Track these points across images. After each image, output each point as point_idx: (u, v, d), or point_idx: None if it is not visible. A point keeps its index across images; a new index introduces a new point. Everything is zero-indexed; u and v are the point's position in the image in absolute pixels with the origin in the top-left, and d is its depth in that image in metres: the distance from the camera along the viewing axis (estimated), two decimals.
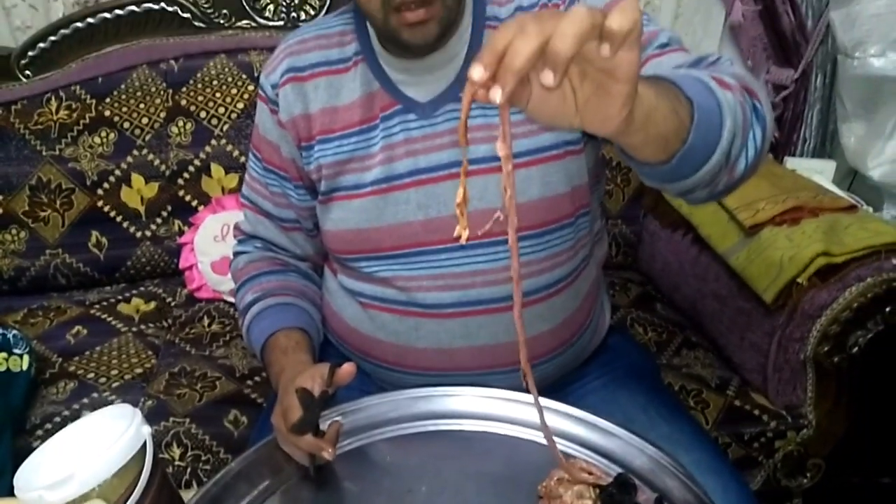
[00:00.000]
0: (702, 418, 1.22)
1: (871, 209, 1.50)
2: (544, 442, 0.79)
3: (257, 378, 1.29)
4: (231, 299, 1.49)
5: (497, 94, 0.47)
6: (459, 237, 0.55)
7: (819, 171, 1.63)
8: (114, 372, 1.31)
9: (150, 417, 1.17)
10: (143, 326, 1.45)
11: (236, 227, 1.10)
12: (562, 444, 0.78)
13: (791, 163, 1.70)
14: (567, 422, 0.82)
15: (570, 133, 0.91)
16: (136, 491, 0.67)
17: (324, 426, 0.77)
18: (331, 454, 0.75)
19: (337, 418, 0.82)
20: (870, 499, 1.48)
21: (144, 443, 0.69)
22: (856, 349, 1.22)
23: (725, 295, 1.37)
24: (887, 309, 1.20)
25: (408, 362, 0.97)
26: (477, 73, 0.47)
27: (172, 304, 1.54)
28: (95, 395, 1.26)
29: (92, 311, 1.50)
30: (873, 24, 1.52)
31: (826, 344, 1.21)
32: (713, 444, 0.96)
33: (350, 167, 0.94)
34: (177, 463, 1.13)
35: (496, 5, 0.92)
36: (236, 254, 1.09)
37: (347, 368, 0.79)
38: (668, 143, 0.61)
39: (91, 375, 1.31)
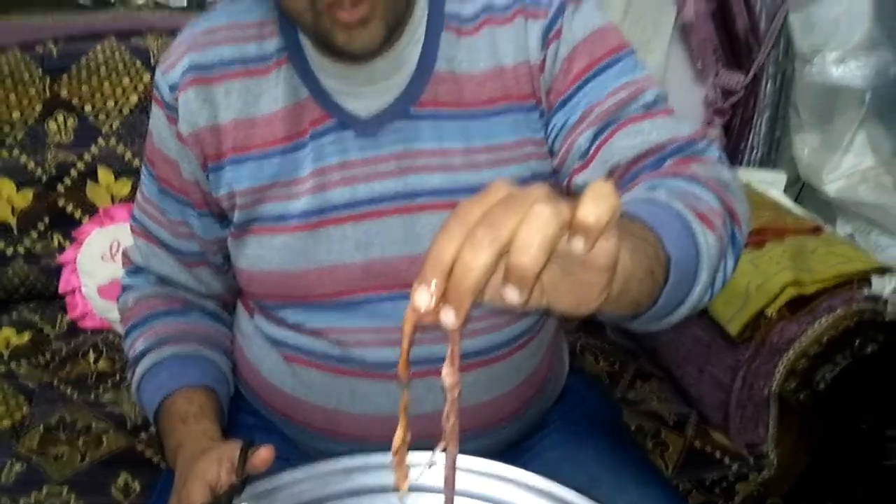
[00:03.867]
0: (661, 463, 1.14)
1: (832, 228, 1.44)
2: None
3: (152, 429, 1.09)
4: (122, 329, 1.29)
5: (450, 318, 0.38)
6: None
7: (770, 183, 1.56)
8: None
9: (19, 486, 0.99)
10: (13, 364, 1.24)
11: (125, 255, 0.92)
12: None
13: (742, 174, 1.63)
14: (527, 494, 0.69)
15: (541, 166, 0.78)
16: None
17: None
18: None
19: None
20: None
21: None
22: (822, 385, 1.16)
23: (680, 323, 1.27)
24: (857, 342, 1.15)
25: (340, 430, 0.83)
26: (422, 299, 0.38)
27: (51, 335, 1.33)
28: None
29: None
30: (832, 30, 1.46)
31: (793, 380, 1.16)
32: None
33: (272, 194, 0.77)
34: None
35: (458, 1, 0.75)
36: (126, 288, 0.91)
37: (264, 455, 0.66)
38: (637, 307, 0.53)
39: None
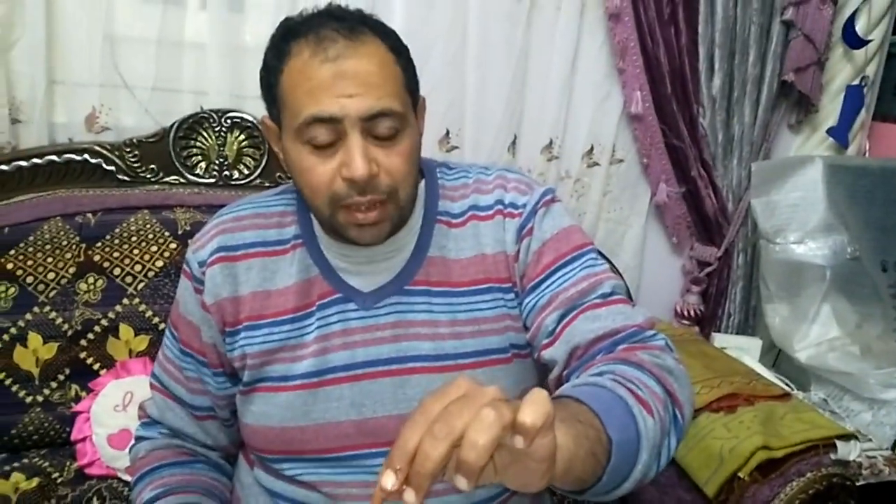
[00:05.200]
0: None
1: (800, 393, 1.51)
2: None
3: None
4: (126, 477, 1.33)
5: (411, 498, 0.47)
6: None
7: (746, 350, 1.65)
8: None
9: None
10: None
11: (141, 408, 1.00)
12: None
13: (718, 339, 1.72)
14: None
15: (517, 338, 0.88)
16: None
17: None
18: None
19: None
20: None
21: None
22: None
23: (664, 483, 1.32)
24: None
25: None
26: (388, 481, 0.47)
27: (59, 480, 1.36)
28: None
29: None
30: (791, 213, 1.60)
31: None
32: None
33: (279, 357, 0.87)
34: None
35: (448, 200, 0.90)
36: (139, 438, 0.99)
37: None
38: (583, 483, 0.61)
39: None
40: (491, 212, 0.88)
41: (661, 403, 0.71)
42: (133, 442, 0.99)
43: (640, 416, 0.67)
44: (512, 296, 0.88)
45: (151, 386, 0.98)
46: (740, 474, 1.19)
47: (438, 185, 0.91)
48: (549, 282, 0.86)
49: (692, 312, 1.88)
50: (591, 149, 1.76)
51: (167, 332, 0.96)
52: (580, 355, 0.81)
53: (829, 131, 1.83)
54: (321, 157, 0.78)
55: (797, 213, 1.59)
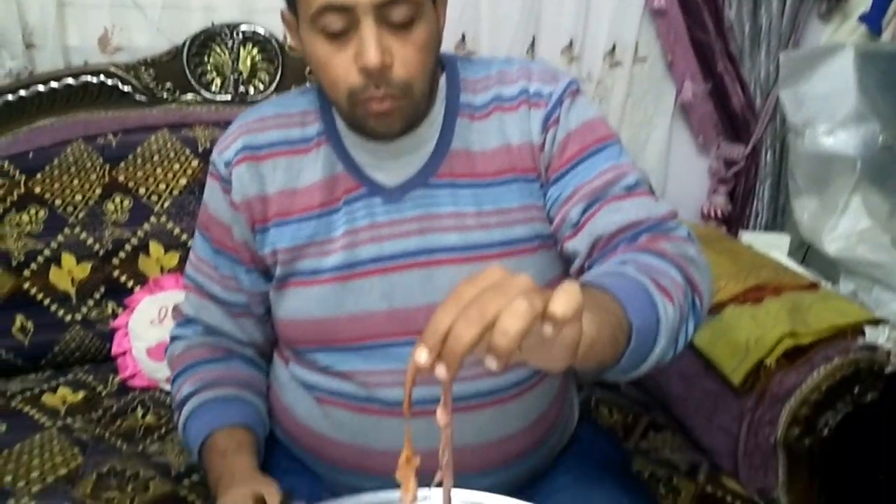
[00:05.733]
0: None
1: (829, 284, 1.50)
2: None
3: (195, 477, 1.18)
4: (167, 387, 1.38)
5: (442, 373, 0.49)
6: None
7: (775, 246, 1.63)
8: (34, 474, 1.18)
9: None
10: (69, 420, 1.32)
11: (175, 309, 1.03)
12: None
13: (746, 237, 1.70)
14: None
15: (543, 228, 0.88)
16: None
17: None
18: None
19: None
20: None
21: None
22: (826, 431, 1.20)
23: (691, 375, 1.33)
24: (856, 389, 1.18)
25: (366, 465, 0.90)
26: (422, 357, 0.49)
27: (103, 393, 1.42)
28: (12, 500, 1.12)
29: (13, 404, 1.36)
30: (821, 104, 1.55)
31: (797, 427, 1.19)
32: None
33: (308, 252, 0.88)
34: None
35: (471, 93, 0.89)
36: (174, 338, 1.01)
37: None
38: (603, 365, 0.64)
39: (8, 478, 1.17)
40: (515, 102, 0.87)
41: (682, 291, 0.72)
42: (169, 342, 1.01)
43: (660, 303, 0.69)
44: (537, 186, 0.88)
45: (185, 286, 1.00)
46: (766, 362, 1.19)
47: (460, 79, 0.90)
48: (573, 173, 0.86)
49: (719, 213, 1.87)
50: (613, 48, 1.71)
51: (197, 233, 0.97)
52: (602, 246, 0.82)
53: (862, 18, 1.75)
54: (336, 46, 0.77)
55: (827, 103, 1.54)
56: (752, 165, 1.81)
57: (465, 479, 0.86)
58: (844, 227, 1.56)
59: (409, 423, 0.59)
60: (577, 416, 1.06)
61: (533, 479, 0.96)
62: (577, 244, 0.84)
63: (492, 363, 0.49)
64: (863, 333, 1.21)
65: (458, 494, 0.79)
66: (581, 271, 0.85)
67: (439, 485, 0.56)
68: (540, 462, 0.96)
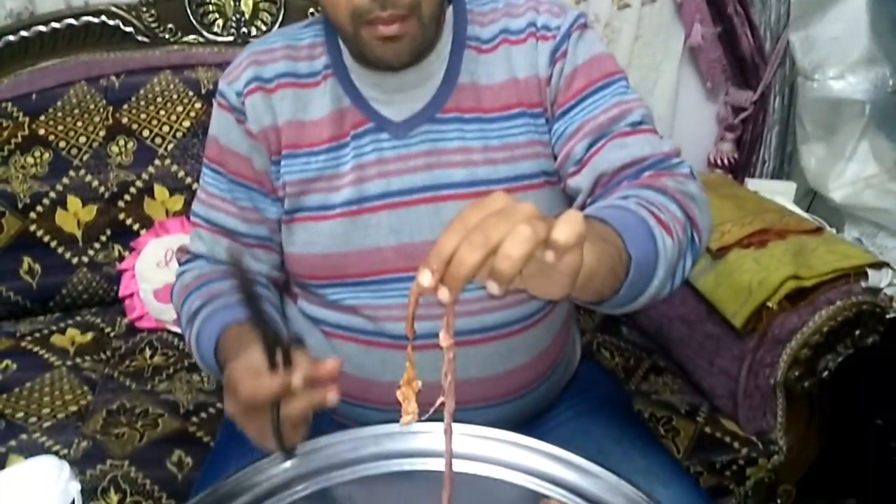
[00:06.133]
0: (673, 447, 1.19)
1: (834, 231, 1.50)
2: (518, 482, 0.76)
3: (203, 415, 1.20)
4: (175, 329, 1.40)
5: (444, 296, 0.50)
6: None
7: (780, 193, 1.62)
8: (45, 410, 1.21)
9: (85, 460, 1.09)
10: (78, 360, 1.35)
11: (181, 250, 0.99)
12: (536, 484, 0.75)
13: (752, 184, 1.69)
14: (541, 459, 0.77)
15: (548, 164, 0.88)
16: None
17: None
18: (333, 397, 0.63)
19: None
20: None
21: (73, 501, 0.61)
22: (826, 373, 1.21)
23: (694, 319, 1.34)
24: (857, 332, 1.20)
25: (373, 397, 0.91)
26: (425, 279, 0.50)
27: (111, 334, 1.44)
28: (24, 436, 1.15)
29: (23, 344, 1.39)
30: (831, 47, 1.53)
31: (796, 368, 1.20)
32: (690, 477, 0.94)
33: (316, 187, 0.88)
34: None
35: (478, 25, 0.88)
36: (181, 273, 0.96)
37: (331, 365, 0.68)
38: (601, 296, 0.65)
39: (20, 414, 1.20)
40: (523, 35, 0.86)
41: (681, 227, 0.73)
42: (175, 280, 0.96)
43: (659, 236, 0.69)
44: (542, 121, 0.87)
45: (195, 225, 0.95)
46: (769, 304, 1.19)
47: (467, 11, 0.89)
48: (579, 108, 0.85)
49: (726, 161, 1.85)
50: None
51: (207, 171, 0.94)
52: (605, 182, 0.82)
53: None
54: None
55: (838, 46, 1.52)
56: (759, 112, 1.78)
57: (469, 412, 0.87)
58: (851, 174, 1.55)
59: (414, 353, 0.60)
60: (580, 356, 1.07)
61: (536, 414, 0.97)
62: (581, 181, 0.84)
63: (493, 287, 0.50)
64: (866, 277, 1.21)
65: (460, 429, 0.82)
66: (583, 209, 0.84)
67: (442, 406, 0.57)
68: (543, 397, 0.97)
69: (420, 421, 0.59)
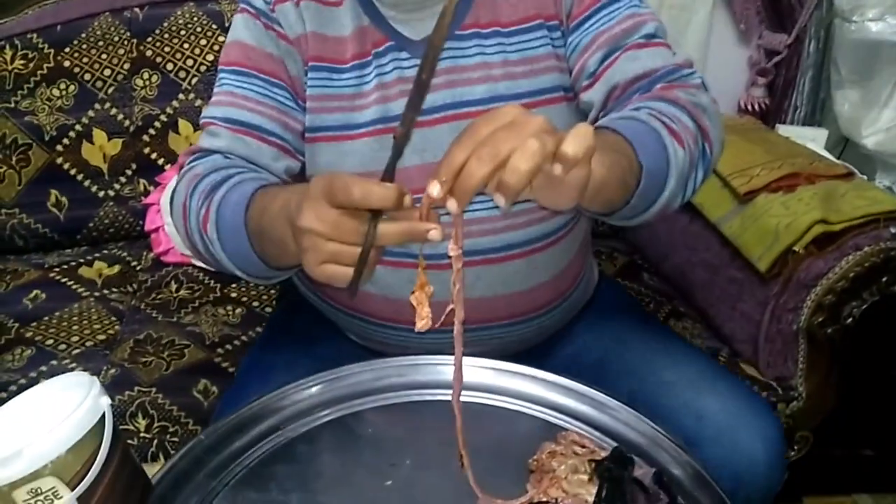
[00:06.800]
0: None
1: (865, 177, 1.47)
2: (536, 413, 0.78)
3: (229, 346, 1.22)
4: (201, 263, 1.41)
5: (453, 206, 0.51)
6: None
7: (811, 139, 1.59)
8: (74, 338, 1.24)
9: (113, 386, 1.11)
10: (105, 291, 1.37)
11: (186, 153, 0.89)
12: (553, 417, 0.77)
13: (783, 130, 1.66)
14: (558, 394, 0.79)
15: (566, 79, 0.88)
16: (93, 468, 0.60)
17: None
18: (437, 233, 0.55)
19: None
20: (851, 470, 1.47)
21: (103, 415, 0.62)
22: (850, 320, 1.20)
23: (717, 264, 1.33)
24: (884, 279, 1.18)
25: (397, 317, 0.92)
26: (434, 190, 0.51)
27: (138, 268, 1.46)
28: (54, 362, 1.18)
29: (51, 275, 1.41)
30: None
31: (820, 314, 1.19)
32: (735, 378, 0.95)
33: (338, 105, 0.87)
34: (142, 435, 1.06)
35: None
36: (191, 167, 0.83)
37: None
38: (612, 206, 0.66)
39: (50, 342, 1.23)
40: None
41: (692, 137, 0.74)
42: (184, 171, 0.84)
43: (671, 146, 0.71)
44: (559, 34, 0.87)
45: (209, 125, 0.86)
46: (795, 248, 1.18)
47: None
48: (593, 19, 0.85)
49: (757, 106, 1.81)
50: None
51: (229, 75, 0.87)
52: (618, 95, 0.83)
53: None
54: None
55: None
56: (793, 56, 1.73)
57: (493, 329, 0.91)
58: (886, 120, 1.51)
59: (437, 272, 0.61)
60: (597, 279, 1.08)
61: (558, 332, 0.99)
62: (593, 95, 0.84)
63: (500, 200, 0.51)
64: (895, 223, 1.18)
65: (478, 362, 0.82)
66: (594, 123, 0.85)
67: (452, 313, 0.58)
68: (563, 315, 0.99)
69: (435, 331, 0.60)
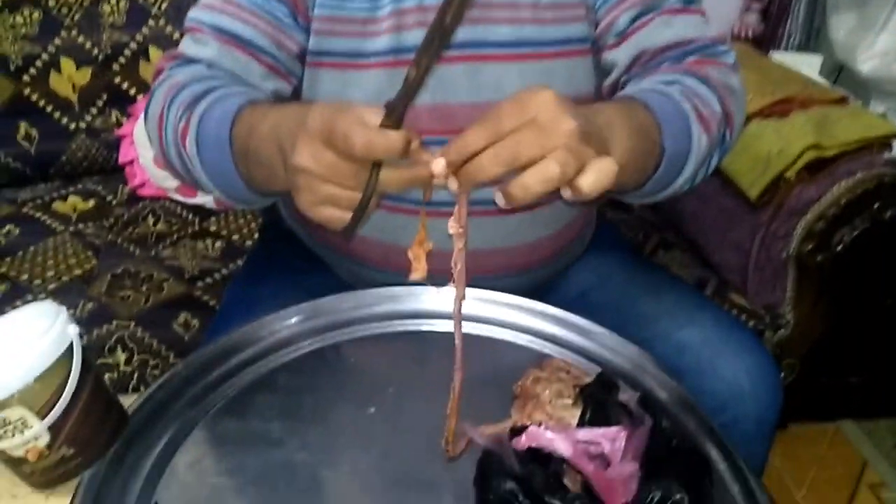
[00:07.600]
0: None
1: (860, 103, 1.44)
2: (520, 342, 0.77)
3: (209, 279, 1.20)
4: (178, 197, 1.37)
5: (454, 186, 0.50)
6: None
7: (806, 65, 1.55)
8: (50, 273, 1.21)
9: (91, 321, 1.09)
10: (81, 226, 1.33)
11: (165, 58, 0.78)
12: (539, 344, 0.76)
13: (777, 57, 1.61)
14: (544, 321, 0.78)
15: (590, 31, 0.82)
16: (62, 397, 0.58)
17: None
18: (442, 168, 0.51)
19: None
20: (837, 398, 1.49)
21: (71, 344, 0.60)
22: (840, 247, 1.19)
23: (707, 194, 1.31)
24: (876, 205, 1.16)
25: (391, 261, 0.88)
26: (438, 167, 0.49)
27: (113, 202, 1.42)
28: (30, 296, 1.15)
29: (24, 210, 1.37)
30: None
31: (810, 241, 1.18)
32: (718, 308, 0.92)
33: (348, 29, 0.79)
34: (122, 368, 1.04)
35: None
36: (171, 75, 0.75)
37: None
38: (622, 187, 0.64)
39: (24, 277, 1.20)
40: None
41: (717, 123, 0.72)
42: (160, 80, 0.75)
43: (696, 133, 0.69)
44: None
45: (194, 31, 0.77)
46: (787, 175, 1.16)
47: None
48: None
49: (751, 33, 1.77)
50: None
51: None
52: (645, 61, 0.78)
53: None
54: None
55: None
56: None
57: (490, 280, 0.86)
58: (882, 45, 1.47)
59: (432, 220, 0.56)
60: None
61: (559, 273, 0.97)
62: (619, 55, 0.80)
63: (500, 199, 0.50)
64: (890, 149, 1.17)
65: (468, 293, 0.80)
66: (615, 85, 0.81)
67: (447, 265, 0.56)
68: (566, 262, 0.97)
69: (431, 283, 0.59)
